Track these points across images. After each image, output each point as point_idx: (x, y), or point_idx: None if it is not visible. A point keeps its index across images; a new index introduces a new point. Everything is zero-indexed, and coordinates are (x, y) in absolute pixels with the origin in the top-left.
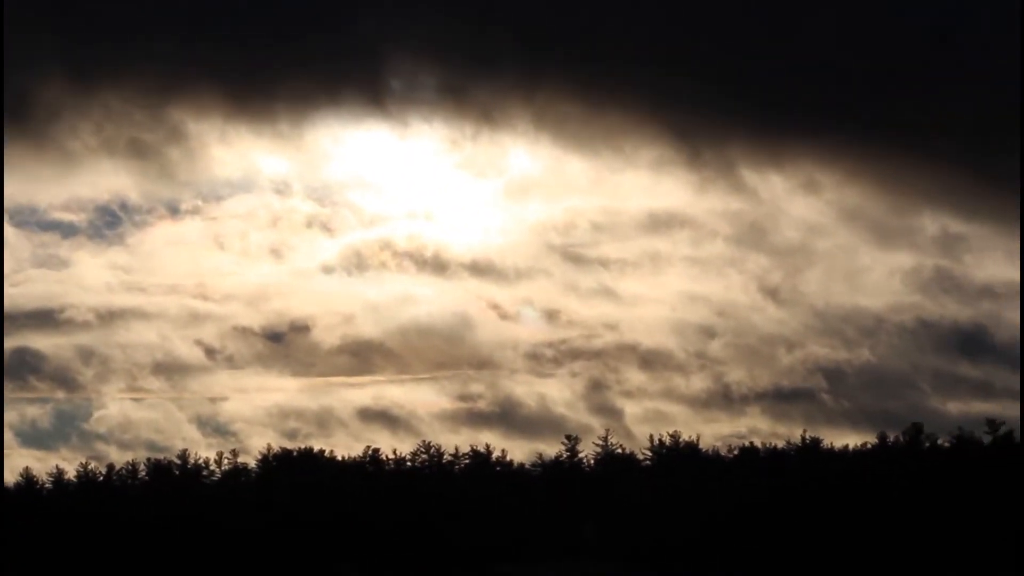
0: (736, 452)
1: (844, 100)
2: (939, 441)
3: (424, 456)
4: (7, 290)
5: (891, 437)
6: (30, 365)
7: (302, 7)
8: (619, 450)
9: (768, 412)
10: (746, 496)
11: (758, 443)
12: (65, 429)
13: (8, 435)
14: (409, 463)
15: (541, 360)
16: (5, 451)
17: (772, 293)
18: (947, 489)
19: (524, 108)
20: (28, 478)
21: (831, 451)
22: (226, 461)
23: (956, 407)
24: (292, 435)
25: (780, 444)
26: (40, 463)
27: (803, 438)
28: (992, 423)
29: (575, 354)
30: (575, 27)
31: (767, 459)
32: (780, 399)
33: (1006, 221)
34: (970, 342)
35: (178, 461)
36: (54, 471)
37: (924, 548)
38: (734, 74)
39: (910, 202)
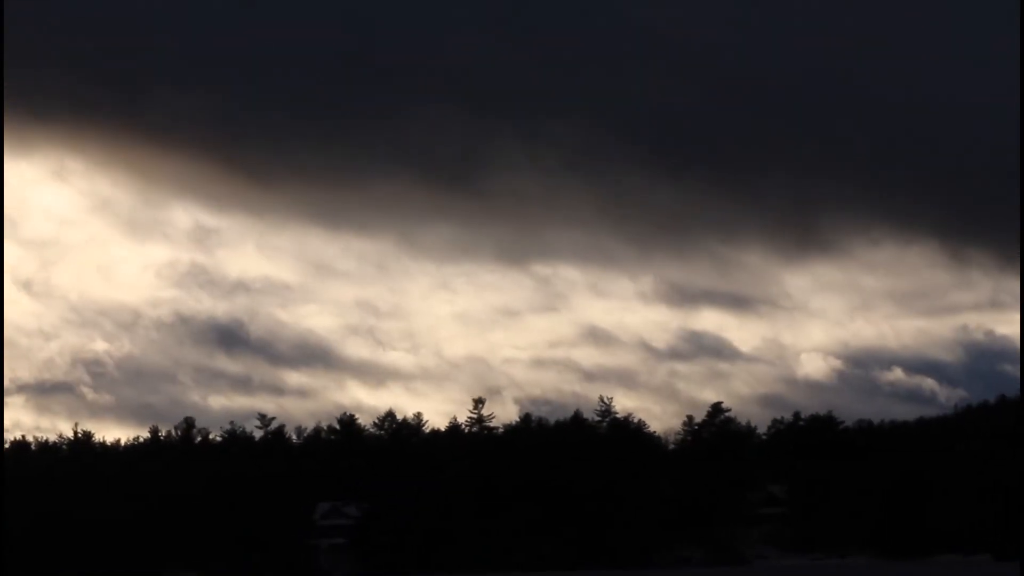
0: (8, 445)
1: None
2: (211, 435)
3: None
4: None
5: (163, 431)
6: None
7: None
8: None
9: (29, 405)
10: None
11: (27, 437)
12: None
13: None
14: None
15: None
16: None
17: (26, 285)
18: (221, 481)
19: None
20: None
21: (104, 445)
22: None
23: (218, 401)
24: None
25: (52, 438)
26: None
27: (75, 432)
28: (263, 417)
29: None
30: None
31: (39, 453)
32: (41, 392)
33: (254, 214)
34: (228, 336)
35: None
36: None
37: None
38: None
39: (161, 193)
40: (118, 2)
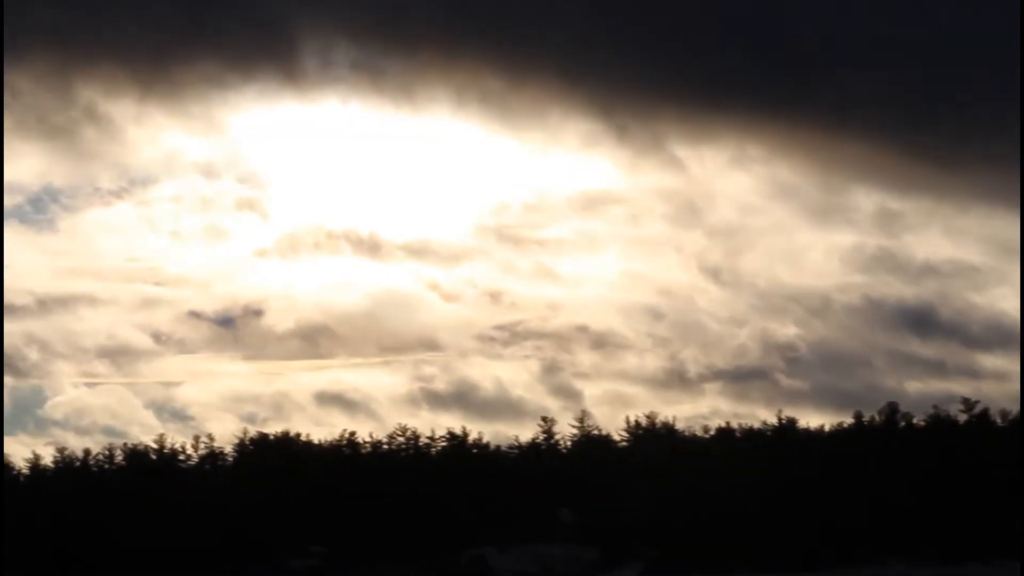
0: (713, 432)
1: (771, 70)
2: (915, 420)
3: (401, 439)
4: None
5: (866, 417)
6: None
7: None
8: (595, 431)
9: (726, 392)
10: (728, 477)
11: (731, 424)
12: (19, 415)
13: None
14: (386, 446)
15: (491, 342)
16: None
17: (713, 272)
18: (930, 469)
19: (444, 84)
20: (2, 464)
21: (808, 431)
22: (203, 445)
23: (914, 386)
24: (251, 419)
25: (756, 424)
26: None
27: (779, 418)
28: (967, 401)
29: (524, 335)
30: None
31: (744, 440)
32: (737, 379)
33: (942, 197)
34: (919, 320)
35: (155, 446)
36: (31, 457)
37: (909, 529)
38: (657, 43)
39: (842, 179)
40: None
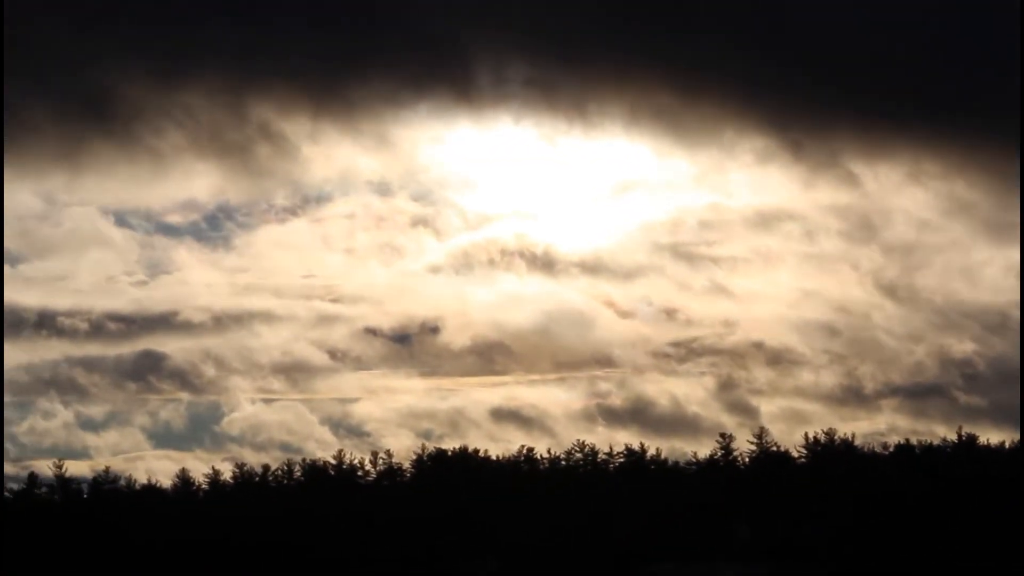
0: (891, 449)
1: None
2: None
3: (579, 454)
4: (127, 292)
5: None
6: (155, 367)
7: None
8: (773, 448)
9: (903, 409)
10: (906, 493)
11: (910, 440)
12: (196, 431)
13: (139, 436)
14: (563, 462)
15: (666, 358)
16: (139, 452)
17: (889, 289)
18: None
19: (617, 100)
20: (184, 479)
21: (988, 448)
22: (381, 461)
23: None
24: (427, 435)
25: (935, 441)
26: (174, 464)
27: (959, 435)
28: None
29: (700, 352)
30: (665, 13)
31: (923, 456)
32: (914, 396)
33: None
34: None
35: (333, 461)
36: (210, 472)
37: None
38: (831, 58)
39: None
40: None
